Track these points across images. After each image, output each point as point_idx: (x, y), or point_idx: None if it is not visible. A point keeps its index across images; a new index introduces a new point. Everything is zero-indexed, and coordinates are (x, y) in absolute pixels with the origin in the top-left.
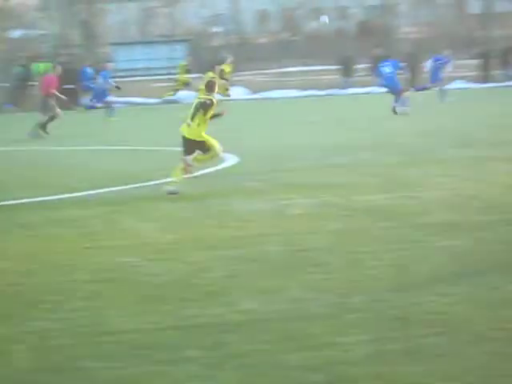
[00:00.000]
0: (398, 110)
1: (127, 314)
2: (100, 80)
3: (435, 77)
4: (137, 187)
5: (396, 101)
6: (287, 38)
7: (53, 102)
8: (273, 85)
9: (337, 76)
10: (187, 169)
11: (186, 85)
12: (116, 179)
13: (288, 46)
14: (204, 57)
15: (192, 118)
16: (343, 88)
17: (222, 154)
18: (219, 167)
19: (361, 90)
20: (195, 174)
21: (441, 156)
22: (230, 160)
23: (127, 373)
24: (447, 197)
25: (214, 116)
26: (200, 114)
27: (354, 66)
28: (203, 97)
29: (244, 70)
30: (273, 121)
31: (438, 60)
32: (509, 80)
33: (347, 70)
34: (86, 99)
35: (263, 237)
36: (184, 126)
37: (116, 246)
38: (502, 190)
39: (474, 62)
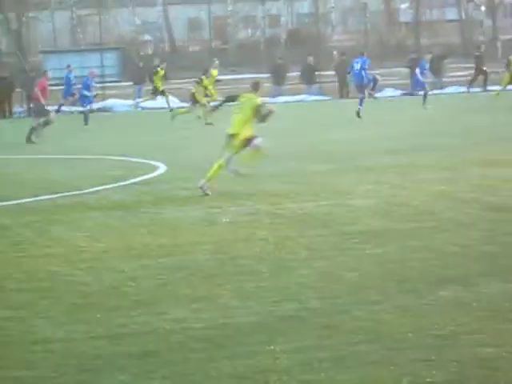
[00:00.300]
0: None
1: (57, 323)
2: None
3: (419, 82)
4: (68, 196)
5: (360, 104)
6: (218, 46)
7: (46, 107)
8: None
9: (268, 84)
10: (259, 151)
11: (162, 92)
12: (47, 188)
13: (219, 54)
14: (136, 65)
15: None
16: (274, 96)
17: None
18: (150, 175)
19: (292, 98)
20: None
21: (370, 164)
22: (160, 168)
23: (57, 382)
24: (377, 204)
25: (263, 117)
26: (245, 114)
27: (285, 74)
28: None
29: (174, 79)
30: (203, 129)
31: (424, 66)
32: (439, 88)
33: (278, 78)
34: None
35: (194, 245)
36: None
37: (46, 254)
38: (431, 197)
39: (405, 70)
